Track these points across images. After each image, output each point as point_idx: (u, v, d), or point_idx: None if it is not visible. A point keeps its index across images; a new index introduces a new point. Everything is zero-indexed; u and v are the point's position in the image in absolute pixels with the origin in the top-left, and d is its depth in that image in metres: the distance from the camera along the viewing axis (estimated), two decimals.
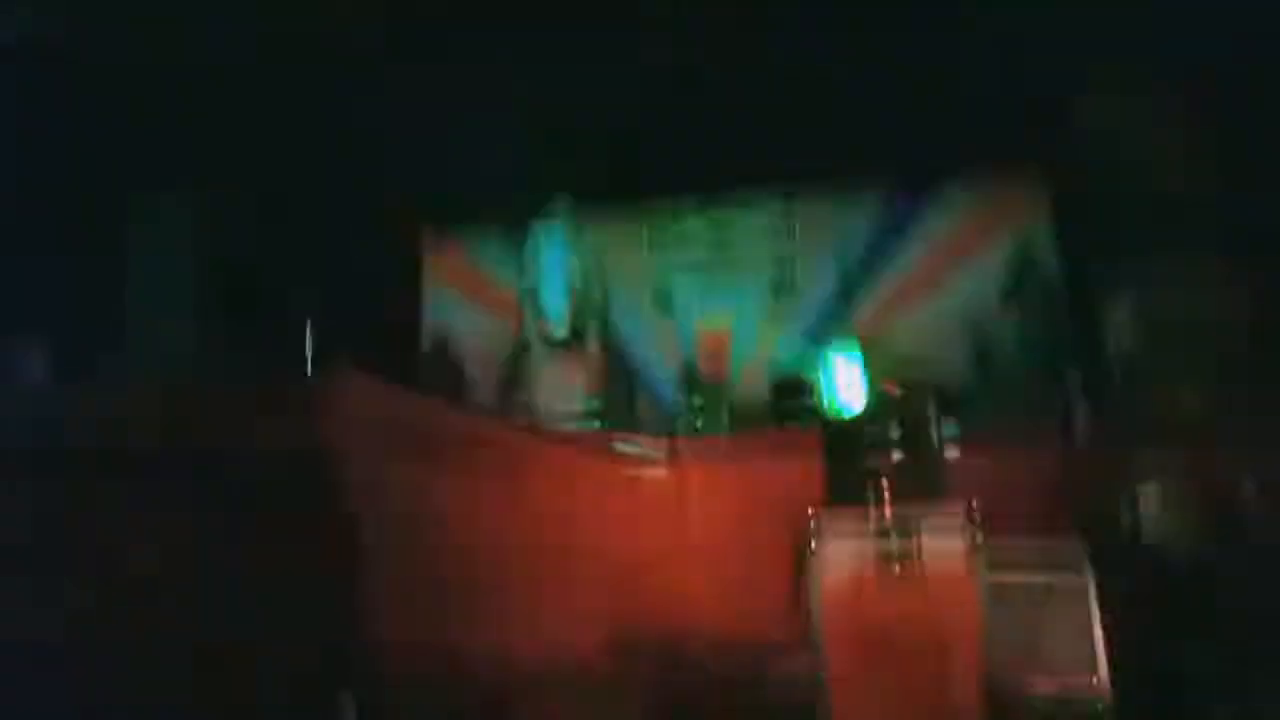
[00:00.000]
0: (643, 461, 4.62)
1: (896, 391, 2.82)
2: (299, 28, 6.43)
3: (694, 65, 7.95)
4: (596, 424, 7.04)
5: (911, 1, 7.08)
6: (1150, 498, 2.61)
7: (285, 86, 7.44)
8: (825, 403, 2.99)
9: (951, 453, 4.50)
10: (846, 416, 2.87)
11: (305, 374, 4.46)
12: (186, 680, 2.20)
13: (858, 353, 2.90)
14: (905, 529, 2.76)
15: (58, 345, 5.98)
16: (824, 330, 9.22)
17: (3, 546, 2.27)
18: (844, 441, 3.09)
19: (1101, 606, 3.43)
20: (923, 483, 2.90)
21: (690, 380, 8.69)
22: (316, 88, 7.63)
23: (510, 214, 9.72)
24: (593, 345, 5.78)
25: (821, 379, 2.98)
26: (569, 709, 3.38)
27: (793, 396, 7.38)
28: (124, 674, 2.19)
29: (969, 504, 2.77)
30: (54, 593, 2.31)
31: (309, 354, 5.63)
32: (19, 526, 2.32)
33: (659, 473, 4.60)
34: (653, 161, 8.99)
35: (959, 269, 8.99)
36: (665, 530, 4.45)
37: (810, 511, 2.87)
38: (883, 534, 2.77)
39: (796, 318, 9.43)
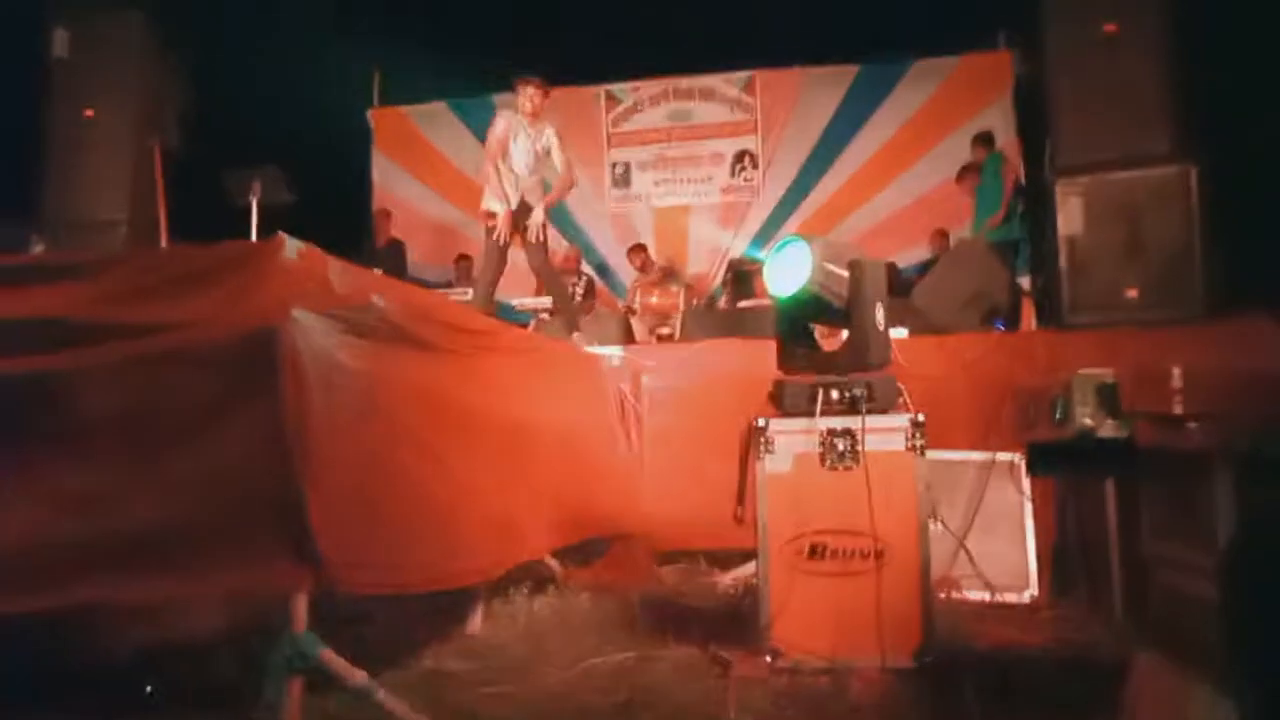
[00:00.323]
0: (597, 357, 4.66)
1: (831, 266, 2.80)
2: None
3: None
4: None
5: None
6: (1086, 389, 2.69)
7: None
8: (770, 285, 2.97)
9: (899, 332, 4.62)
10: (788, 294, 2.86)
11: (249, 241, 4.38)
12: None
13: (802, 240, 2.87)
14: (850, 434, 2.79)
15: None
16: (783, 211, 9.24)
17: None
18: (788, 321, 3.09)
19: (1036, 517, 3.61)
20: (863, 359, 2.91)
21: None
22: None
23: (464, 89, 9.58)
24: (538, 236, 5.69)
25: (770, 264, 2.96)
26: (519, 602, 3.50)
27: (749, 279, 7.44)
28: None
29: (914, 413, 2.81)
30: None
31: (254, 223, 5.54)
32: None
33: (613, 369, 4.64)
34: (615, 40, 8.76)
35: (922, 150, 8.93)
36: (618, 429, 4.53)
37: (755, 417, 2.89)
38: (829, 439, 2.81)
39: (757, 198, 9.38)
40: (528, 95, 5.72)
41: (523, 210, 5.75)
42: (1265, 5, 4.99)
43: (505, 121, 5.73)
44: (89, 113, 5.40)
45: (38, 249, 5.36)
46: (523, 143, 5.74)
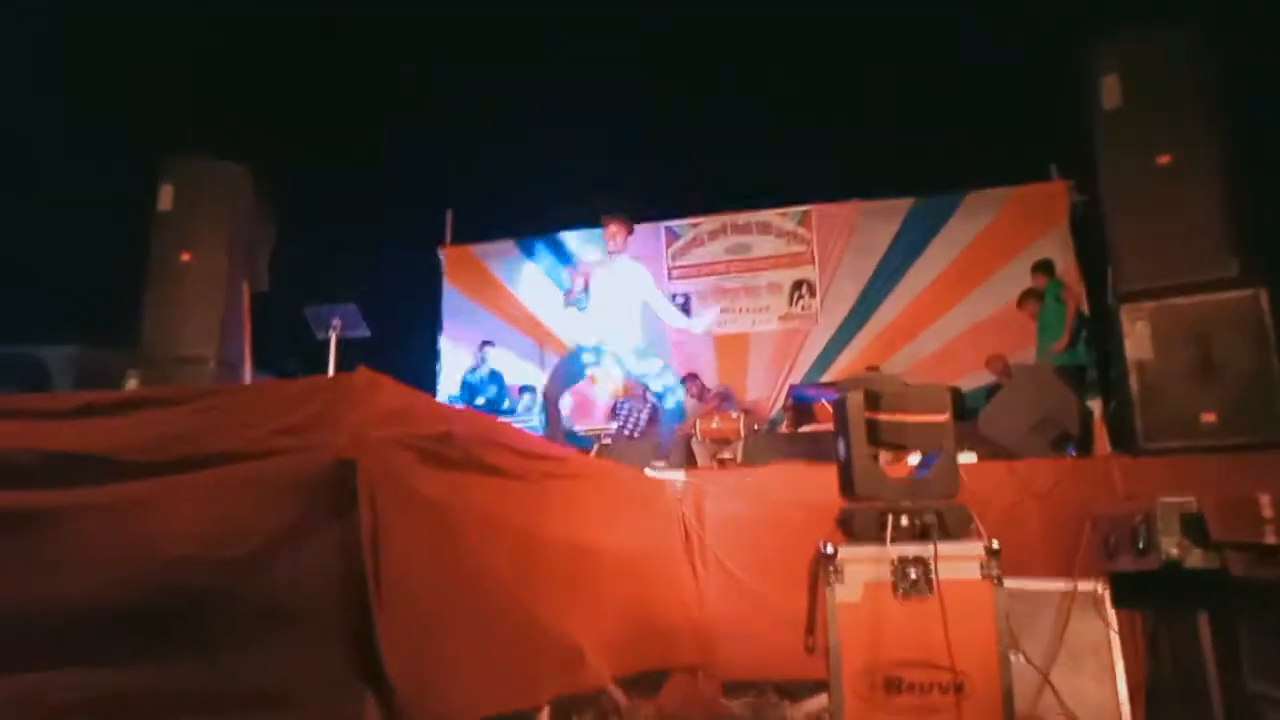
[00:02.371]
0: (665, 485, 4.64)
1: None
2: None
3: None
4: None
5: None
6: (1170, 517, 2.56)
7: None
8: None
9: (967, 457, 4.52)
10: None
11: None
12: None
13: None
14: (922, 562, 2.71)
15: None
16: (841, 338, 9.26)
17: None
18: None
19: (1124, 650, 3.41)
20: (937, 489, 2.86)
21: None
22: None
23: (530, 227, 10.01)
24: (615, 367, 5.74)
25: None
26: None
27: (809, 405, 7.41)
28: (136, 665, 2.20)
29: (988, 540, 2.72)
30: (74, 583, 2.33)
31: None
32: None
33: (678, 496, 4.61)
34: (673, 178, 9.14)
35: (979, 280, 8.94)
36: (684, 555, 4.47)
37: (823, 542, 2.83)
38: (900, 567, 2.73)
39: (815, 325, 9.44)
40: (610, 234, 5.87)
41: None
42: None
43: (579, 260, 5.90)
44: (186, 256, 5.77)
45: (132, 382, 5.63)
46: (605, 281, 5.81)
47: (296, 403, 2.44)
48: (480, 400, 8.75)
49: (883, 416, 2.87)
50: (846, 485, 3.03)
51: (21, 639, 2.25)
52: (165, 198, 5.96)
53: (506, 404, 9.03)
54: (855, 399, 2.96)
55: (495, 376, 9.19)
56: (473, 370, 9.24)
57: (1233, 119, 4.69)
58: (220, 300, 5.72)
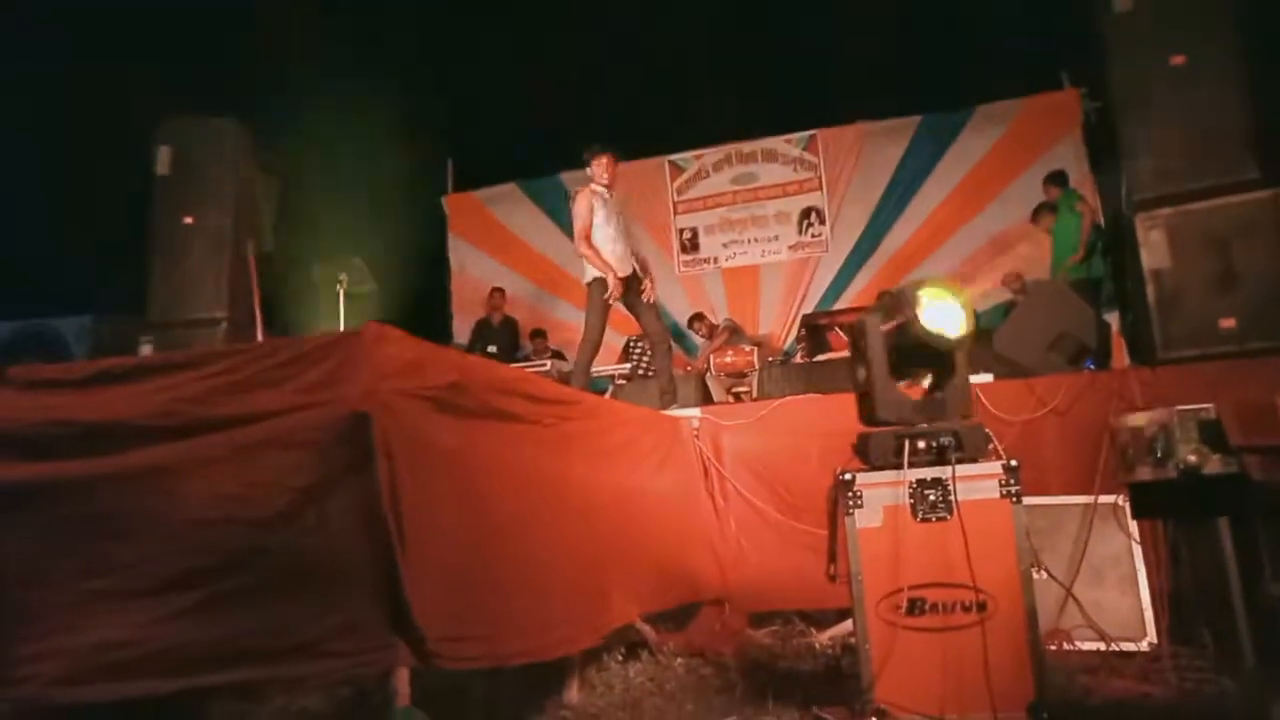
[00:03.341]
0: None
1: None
2: None
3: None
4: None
5: None
6: (1188, 425, 2.55)
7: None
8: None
9: (984, 378, 4.51)
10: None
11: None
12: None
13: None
14: (940, 484, 2.72)
15: None
16: (853, 264, 9.18)
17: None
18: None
19: (1147, 560, 3.43)
20: (953, 410, 2.85)
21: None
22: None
23: (531, 169, 9.90)
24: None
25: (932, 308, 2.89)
26: (613, 669, 3.46)
27: (823, 333, 7.39)
28: (182, 621, 2.26)
29: (1006, 459, 2.72)
30: (117, 551, 2.39)
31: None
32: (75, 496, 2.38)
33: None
34: (676, 111, 8.99)
35: (991, 195, 8.81)
36: (705, 491, 4.51)
37: (841, 470, 2.84)
38: (919, 490, 2.74)
39: (826, 253, 9.36)
40: (602, 166, 5.86)
41: (632, 276, 5.81)
42: None
43: (585, 199, 5.82)
44: (189, 219, 5.75)
45: (145, 348, 5.67)
46: (605, 213, 5.81)
47: (308, 360, 2.45)
48: (492, 348, 8.77)
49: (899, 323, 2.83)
50: (866, 411, 3.03)
51: (70, 601, 2.32)
52: (163, 161, 5.92)
53: (520, 351, 9.05)
54: (873, 321, 2.94)
55: (508, 323, 9.21)
56: (485, 318, 9.26)
57: (1249, 16, 4.55)
58: (226, 261, 5.72)
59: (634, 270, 5.83)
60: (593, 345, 5.82)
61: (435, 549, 2.35)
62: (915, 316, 2.73)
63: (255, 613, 2.28)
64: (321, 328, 6.21)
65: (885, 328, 2.86)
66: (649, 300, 5.84)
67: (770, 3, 8.45)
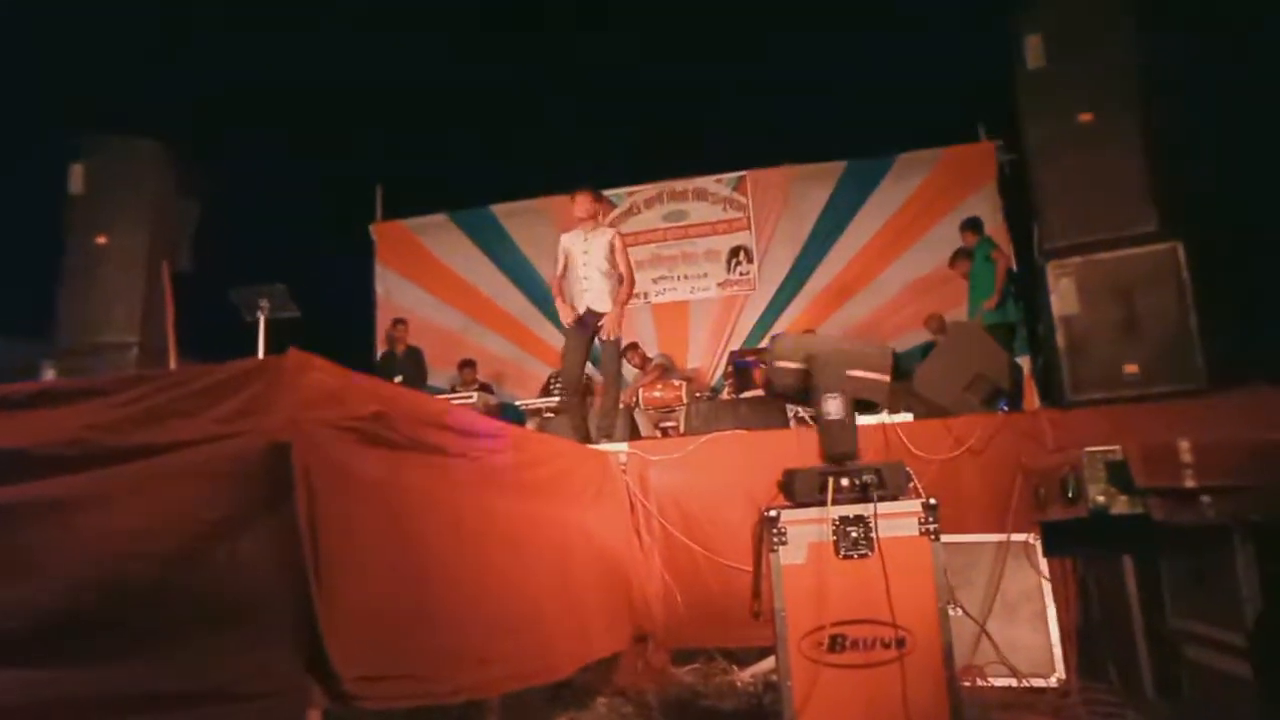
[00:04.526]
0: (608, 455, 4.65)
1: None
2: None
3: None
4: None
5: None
6: (1096, 466, 2.67)
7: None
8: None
9: (904, 417, 4.63)
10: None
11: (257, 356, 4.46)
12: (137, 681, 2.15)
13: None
14: (863, 521, 2.77)
15: None
16: (779, 302, 9.37)
17: None
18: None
19: (1056, 597, 3.56)
20: (834, 449, 2.92)
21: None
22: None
23: (463, 199, 9.87)
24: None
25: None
26: (544, 699, 3.40)
27: (749, 370, 7.50)
28: (77, 667, 2.15)
29: (925, 497, 2.79)
30: (9, 588, 2.26)
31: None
32: None
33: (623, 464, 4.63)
34: (610, 147, 9.07)
35: (912, 240, 9.10)
36: (630, 527, 4.50)
37: (766, 507, 2.88)
38: (841, 527, 2.78)
39: (754, 291, 9.52)
40: (580, 203, 6.02)
41: (590, 315, 5.89)
42: (1238, 88, 5.17)
43: (562, 242, 6.02)
44: (102, 239, 5.54)
45: (49, 374, 5.42)
46: (580, 249, 5.93)
47: (226, 388, 2.37)
48: (398, 379, 8.60)
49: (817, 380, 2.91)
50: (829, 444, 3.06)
51: None
52: (76, 179, 5.72)
53: (426, 380, 8.89)
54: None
55: (412, 353, 9.01)
56: (389, 350, 9.08)
57: (1151, 77, 4.83)
58: (140, 283, 5.52)
59: (592, 312, 5.91)
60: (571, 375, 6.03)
61: (356, 585, 2.28)
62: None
63: (160, 655, 2.18)
64: (240, 355, 6.02)
65: (855, 374, 2.93)
66: (605, 337, 5.89)
67: (705, 46, 8.63)
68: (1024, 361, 6.65)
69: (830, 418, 2.87)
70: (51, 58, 6.64)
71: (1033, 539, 3.67)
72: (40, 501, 2.29)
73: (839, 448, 2.87)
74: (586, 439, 5.69)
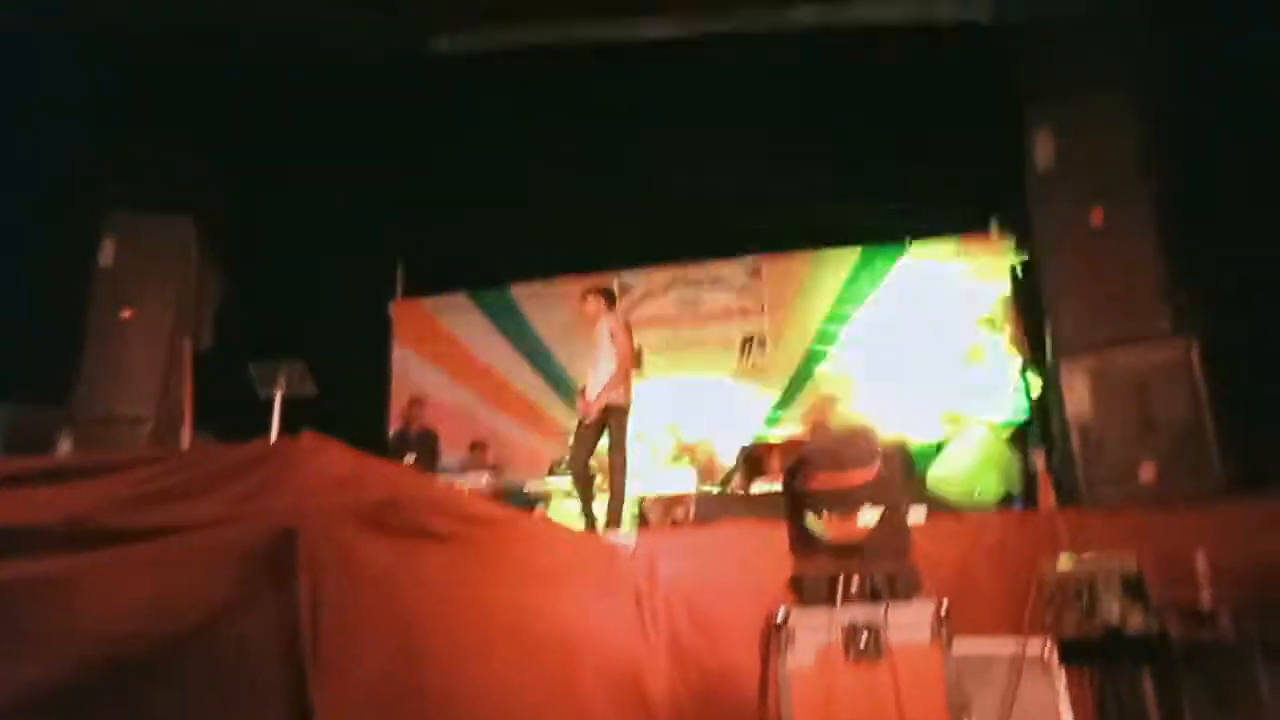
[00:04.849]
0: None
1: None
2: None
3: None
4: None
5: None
6: (1111, 579, 2.62)
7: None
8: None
9: (917, 512, 4.57)
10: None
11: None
12: None
13: None
14: (873, 624, 2.72)
15: None
16: (791, 392, 9.35)
17: None
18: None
19: (1077, 714, 3.43)
20: (888, 549, 2.88)
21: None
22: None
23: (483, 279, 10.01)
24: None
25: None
26: None
27: (761, 461, 7.45)
28: None
29: (938, 601, 2.75)
30: (13, 666, 2.24)
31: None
32: None
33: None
34: (627, 231, 9.24)
35: (925, 330, 9.11)
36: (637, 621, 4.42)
37: (775, 610, 2.84)
38: (851, 631, 2.73)
39: (765, 379, 9.52)
40: (591, 304, 6.34)
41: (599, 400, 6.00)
42: (1244, 184, 5.23)
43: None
44: (127, 313, 5.65)
45: (65, 443, 5.46)
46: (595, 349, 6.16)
47: (238, 470, 2.39)
48: (409, 458, 8.57)
49: (814, 485, 2.89)
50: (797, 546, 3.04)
51: None
52: (107, 253, 5.86)
53: (439, 461, 8.86)
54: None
55: (426, 434, 9.00)
56: (402, 429, 9.08)
57: (1160, 178, 4.90)
58: (161, 358, 5.61)
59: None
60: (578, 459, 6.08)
61: (355, 675, 2.25)
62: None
63: None
64: (255, 429, 6.05)
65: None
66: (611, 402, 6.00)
67: (724, 134, 8.83)
68: (1037, 456, 6.58)
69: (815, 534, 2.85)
70: (87, 129, 6.86)
71: (1049, 648, 3.58)
72: (48, 579, 2.29)
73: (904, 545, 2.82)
74: (592, 526, 5.65)
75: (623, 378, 6.11)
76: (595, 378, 6.06)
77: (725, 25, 6.43)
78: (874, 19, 6.36)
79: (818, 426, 8.14)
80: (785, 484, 3.02)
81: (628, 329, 6.30)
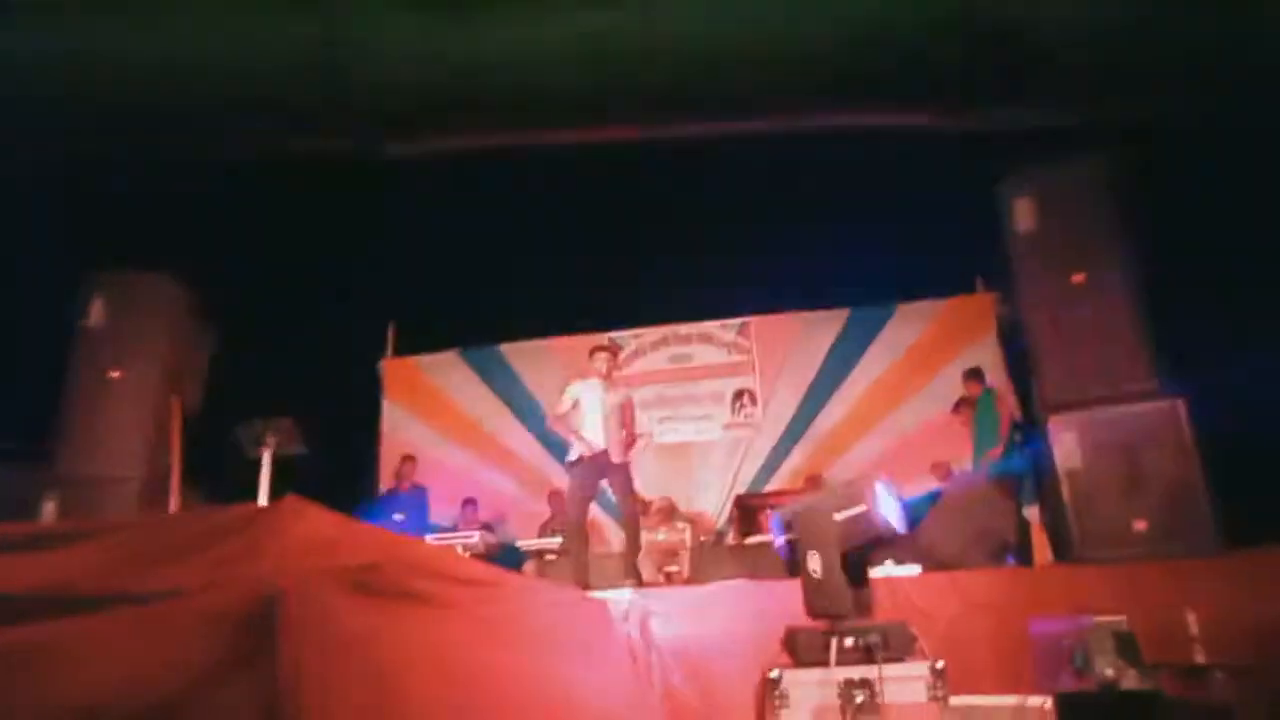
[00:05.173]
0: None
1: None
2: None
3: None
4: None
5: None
6: (1104, 638, 2.60)
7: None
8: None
9: (911, 570, 4.53)
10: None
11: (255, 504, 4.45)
12: None
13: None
14: (868, 684, 2.68)
15: None
16: (784, 446, 9.34)
17: None
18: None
19: None
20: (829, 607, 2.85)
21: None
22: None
23: (474, 338, 10.04)
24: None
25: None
26: None
27: (754, 514, 7.40)
28: None
29: (932, 659, 2.72)
30: None
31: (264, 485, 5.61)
32: None
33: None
34: (618, 291, 9.32)
35: (916, 387, 9.15)
36: (632, 681, 4.35)
37: (768, 669, 2.79)
38: (846, 690, 2.69)
39: (758, 434, 9.51)
40: (601, 359, 6.29)
41: (603, 456, 6.00)
42: (1225, 247, 5.32)
43: (574, 389, 6.23)
44: (115, 374, 5.63)
45: (49, 505, 5.39)
46: (595, 402, 6.12)
47: (218, 535, 2.36)
48: (398, 516, 8.50)
49: None
50: (813, 601, 2.98)
51: None
52: (95, 313, 5.85)
53: (428, 521, 8.78)
54: (824, 509, 2.95)
55: (417, 491, 8.94)
56: (393, 488, 9.01)
57: (1141, 238, 4.98)
58: (149, 419, 5.57)
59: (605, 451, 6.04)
60: (575, 520, 6.07)
61: None
62: (873, 507, 2.77)
63: None
64: (244, 488, 6.00)
65: (840, 517, 2.89)
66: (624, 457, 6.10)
67: (710, 199, 8.97)
68: (1032, 512, 6.55)
69: (815, 576, 2.82)
70: (68, 185, 6.86)
71: (1048, 704, 3.52)
72: (23, 648, 2.24)
73: (827, 607, 2.80)
74: (586, 585, 5.57)
75: (629, 447, 6.23)
76: (602, 432, 6.04)
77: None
78: None
79: (813, 480, 8.12)
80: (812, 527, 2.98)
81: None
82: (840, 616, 2.81)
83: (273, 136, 5.29)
